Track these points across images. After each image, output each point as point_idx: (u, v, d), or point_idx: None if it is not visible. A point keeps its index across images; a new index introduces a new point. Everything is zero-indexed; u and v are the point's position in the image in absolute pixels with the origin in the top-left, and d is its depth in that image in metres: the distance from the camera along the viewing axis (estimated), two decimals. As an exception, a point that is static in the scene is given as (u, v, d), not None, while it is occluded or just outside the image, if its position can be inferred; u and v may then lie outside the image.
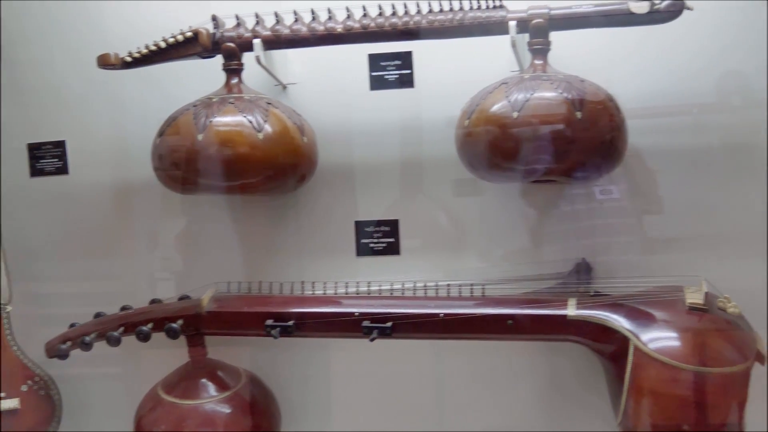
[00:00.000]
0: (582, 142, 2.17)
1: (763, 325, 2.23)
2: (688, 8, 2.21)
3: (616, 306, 2.23)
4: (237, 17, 2.40)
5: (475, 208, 2.57)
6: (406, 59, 2.54)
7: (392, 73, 2.54)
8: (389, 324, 2.28)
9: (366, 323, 2.30)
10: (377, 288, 2.42)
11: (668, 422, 2.11)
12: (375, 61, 2.56)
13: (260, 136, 2.27)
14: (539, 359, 2.54)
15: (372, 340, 2.27)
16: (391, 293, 2.42)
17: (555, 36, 2.33)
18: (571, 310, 2.22)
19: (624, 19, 2.26)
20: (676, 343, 2.13)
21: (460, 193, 2.56)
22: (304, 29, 2.37)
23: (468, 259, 2.58)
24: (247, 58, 2.42)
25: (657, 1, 2.23)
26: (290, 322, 2.33)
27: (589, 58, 2.47)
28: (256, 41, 2.40)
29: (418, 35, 2.36)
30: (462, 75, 2.47)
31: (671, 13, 2.24)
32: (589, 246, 2.51)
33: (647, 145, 2.49)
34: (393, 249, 2.57)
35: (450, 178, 2.53)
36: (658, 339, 2.14)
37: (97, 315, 2.44)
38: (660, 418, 2.11)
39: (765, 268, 2.43)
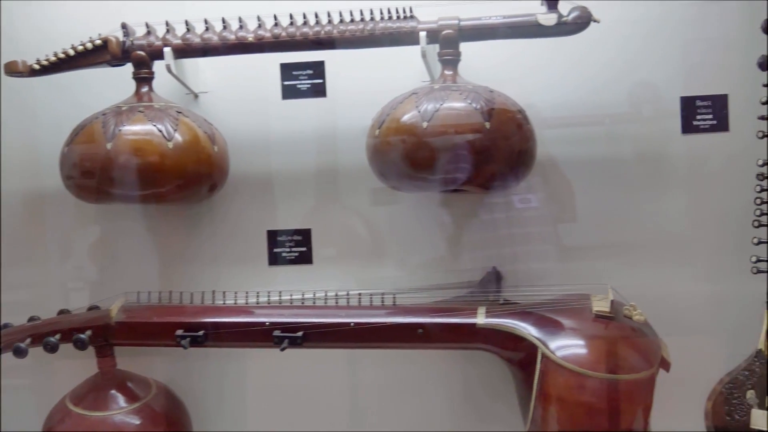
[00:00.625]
0: (490, 152, 2.19)
1: (668, 332, 2.23)
2: (596, 20, 2.24)
3: (524, 314, 2.25)
4: (147, 25, 2.38)
5: (392, 216, 2.57)
6: (318, 69, 2.54)
7: (304, 83, 2.54)
8: (300, 333, 2.28)
9: (277, 333, 2.30)
10: (289, 297, 2.39)
11: (575, 429, 2.14)
12: (287, 70, 2.56)
13: (170, 145, 2.26)
14: (451, 367, 2.55)
15: (282, 349, 2.27)
16: (303, 302, 2.39)
17: (469, 46, 2.33)
18: (481, 319, 2.24)
19: (532, 30, 2.28)
20: (582, 351, 2.16)
21: (378, 201, 2.55)
22: (215, 38, 2.36)
23: (384, 268, 2.58)
24: (158, 66, 2.39)
25: (564, 14, 2.25)
26: (200, 332, 2.32)
27: (504, 69, 2.50)
28: (167, 50, 2.38)
29: (330, 45, 2.36)
30: (374, 84, 2.48)
31: (579, 25, 2.26)
32: (505, 254, 2.53)
33: (564, 154, 2.52)
34: (306, 258, 2.57)
35: (367, 186, 2.51)
36: (566, 347, 2.16)
37: (5, 326, 2.39)
38: (567, 425, 2.13)
39: (671, 276, 2.44)
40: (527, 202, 2.51)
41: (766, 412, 2.13)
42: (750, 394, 2.16)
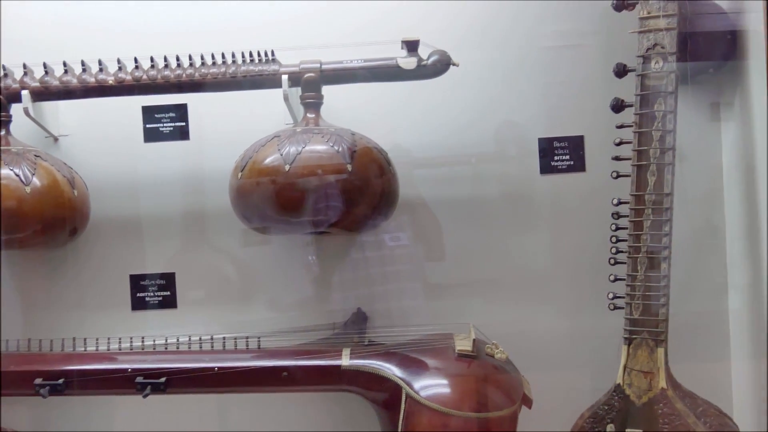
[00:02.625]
0: (353, 195, 2.22)
1: (531, 368, 2.27)
2: (455, 64, 2.29)
3: (389, 355, 2.26)
4: (4, 68, 2.34)
5: (261, 258, 2.57)
6: (180, 111, 2.54)
7: (167, 125, 2.53)
8: (163, 379, 2.26)
9: (139, 379, 2.25)
10: (152, 343, 2.36)
11: (440, 468, 2.13)
12: (149, 113, 2.55)
13: (28, 189, 2.22)
14: (318, 409, 2.56)
15: (145, 396, 2.23)
16: (167, 348, 2.36)
17: (333, 87, 2.36)
18: (345, 360, 2.25)
19: (393, 74, 2.32)
20: (446, 390, 2.18)
21: (247, 242, 2.55)
22: (75, 81, 2.33)
23: (251, 311, 2.58)
24: (17, 109, 2.33)
25: (424, 58, 2.28)
26: (60, 381, 2.26)
27: (368, 110, 2.54)
28: (24, 93, 2.34)
29: (192, 88, 2.36)
30: (238, 126, 2.48)
31: (438, 69, 2.32)
32: (373, 293, 2.54)
33: (431, 193, 2.56)
34: (170, 302, 2.54)
35: (235, 228, 2.49)
36: (429, 386, 2.18)
37: None
38: (432, 464, 2.13)
39: (532, 313, 2.50)
40: (397, 241, 2.53)
41: (625, 445, 2.17)
42: (610, 428, 2.21)
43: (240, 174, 2.21)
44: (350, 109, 2.48)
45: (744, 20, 2.26)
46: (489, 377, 2.22)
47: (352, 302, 2.53)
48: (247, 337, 2.35)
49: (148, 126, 2.53)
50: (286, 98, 2.30)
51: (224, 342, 2.34)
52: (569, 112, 2.53)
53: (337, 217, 2.22)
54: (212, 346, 2.35)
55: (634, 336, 2.22)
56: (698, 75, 2.39)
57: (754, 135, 2.27)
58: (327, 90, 2.37)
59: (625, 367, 2.22)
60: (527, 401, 2.20)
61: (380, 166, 2.25)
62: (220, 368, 2.25)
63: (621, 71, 2.23)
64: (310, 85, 2.31)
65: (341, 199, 2.20)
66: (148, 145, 2.55)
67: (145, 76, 2.33)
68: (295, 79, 2.32)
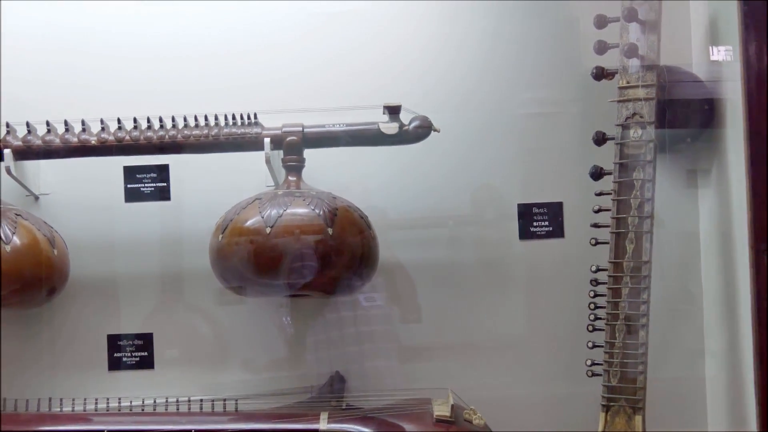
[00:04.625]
0: (332, 258, 2.23)
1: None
2: (436, 130, 2.31)
3: (367, 419, 2.26)
4: (-15, 127, 2.33)
5: (238, 319, 2.58)
6: (162, 172, 2.54)
7: (148, 186, 2.53)
8: (140, 441, 2.21)
9: (116, 441, 2.22)
10: (129, 404, 2.34)
11: None
12: (130, 173, 2.54)
13: (8, 248, 2.21)
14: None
15: (122, 459, 2.19)
16: (143, 409, 2.34)
17: (316, 151, 2.38)
18: (323, 425, 2.24)
19: (375, 138, 2.34)
20: (424, 457, 2.15)
21: (223, 302, 2.53)
22: (57, 140, 2.34)
23: (228, 372, 2.56)
24: (-2, 167, 2.33)
25: (406, 123, 2.30)
26: (35, 441, 2.23)
27: (349, 172, 2.55)
28: (7, 151, 2.35)
29: (174, 150, 2.37)
30: (219, 188, 2.48)
31: (419, 134, 2.34)
32: (350, 354, 2.55)
33: (408, 256, 2.56)
34: (147, 363, 2.53)
35: (212, 289, 2.48)
36: (408, 452, 2.15)
37: None
38: None
39: (510, 378, 2.50)
40: (372, 301, 2.53)
41: None
42: (586, 496, 2.19)
43: (221, 235, 2.22)
44: (330, 171, 2.48)
45: (721, 89, 2.29)
46: (467, 443, 2.19)
47: (327, 363, 2.52)
48: (224, 400, 2.32)
49: (129, 186, 2.53)
50: (267, 161, 2.31)
51: (201, 404, 2.33)
52: (549, 178, 2.55)
53: (316, 280, 2.23)
54: (189, 408, 2.34)
55: (612, 403, 2.22)
56: (676, 144, 2.41)
57: (731, 202, 2.29)
58: (308, 151, 2.35)
59: (602, 434, 2.21)
60: (504, 467, 2.19)
61: (360, 230, 2.27)
62: (196, 431, 2.21)
63: (600, 139, 2.25)
64: (292, 148, 2.33)
65: (321, 263, 2.21)
66: (129, 205, 2.55)
67: (127, 137, 2.34)
68: (277, 141, 2.33)
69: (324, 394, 2.42)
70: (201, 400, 2.34)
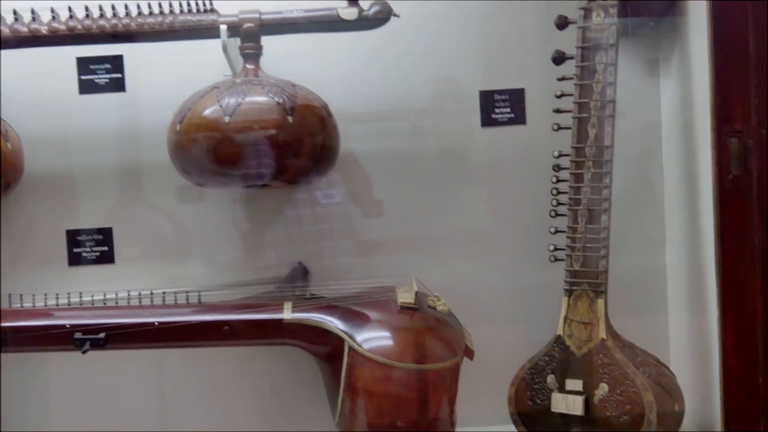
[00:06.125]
0: (293, 146, 2.20)
1: (472, 321, 2.28)
2: (396, 15, 2.27)
3: (331, 308, 2.26)
4: (-71, 20, 2.26)
5: (198, 214, 2.54)
6: (116, 63, 2.49)
7: (102, 77, 2.47)
8: (102, 335, 2.22)
9: (78, 335, 2.21)
10: (90, 298, 2.31)
11: (382, 420, 2.16)
12: (84, 64, 2.49)
13: (-41, 142, 2.15)
14: (260, 363, 2.55)
15: (84, 352, 2.20)
16: (105, 303, 2.32)
17: (271, 41, 2.34)
18: (287, 314, 2.23)
19: (334, 24, 2.30)
20: (388, 343, 2.18)
21: (183, 199, 2.50)
22: (7, 30, 2.27)
23: (191, 266, 2.55)
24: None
25: (365, 8, 2.26)
26: (-5, 337, 2.20)
27: (307, 64, 2.50)
28: (-46, 43, 2.25)
29: (128, 38, 2.31)
30: (176, 78, 2.44)
31: (379, 20, 2.30)
32: (311, 250, 2.53)
33: (367, 149, 2.52)
34: (107, 258, 2.50)
35: (172, 184, 2.46)
36: (372, 339, 2.18)
37: None
38: (374, 416, 2.15)
39: (473, 266, 2.51)
40: (330, 198, 2.51)
41: (565, 395, 2.18)
42: (550, 379, 2.22)
43: (178, 126, 2.18)
44: (287, 63, 2.44)
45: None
46: (431, 329, 2.22)
47: (289, 258, 2.54)
48: (187, 292, 2.32)
49: (82, 77, 2.48)
50: (224, 49, 2.27)
51: (164, 297, 2.31)
52: (510, 65, 2.54)
53: (277, 169, 2.21)
54: (152, 301, 2.32)
55: (575, 287, 2.23)
56: (639, 28, 2.40)
57: (692, 91, 2.29)
58: (265, 41, 2.30)
59: (565, 318, 2.24)
60: (469, 353, 2.22)
61: (321, 118, 2.25)
62: (160, 323, 2.22)
63: (562, 23, 2.23)
64: (249, 35, 2.29)
65: (281, 152, 2.17)
66: (84, 98, 2.49)
67: (79, 26, 2.28)
68: (234, 29, 2.29)
69: (287, 284, 2.40)
70: (164, 293, 2.32)
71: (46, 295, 2.37)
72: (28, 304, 2.36)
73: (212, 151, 2.17)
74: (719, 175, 2.11)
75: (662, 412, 2.12)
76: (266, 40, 2.35)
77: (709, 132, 2.08)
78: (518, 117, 2.52)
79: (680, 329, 2.52)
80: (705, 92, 2.14)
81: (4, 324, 2.26)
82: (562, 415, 2.22)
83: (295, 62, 2.47)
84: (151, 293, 2.33)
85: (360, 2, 2.29)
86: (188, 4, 2.30)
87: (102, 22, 2.29)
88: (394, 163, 2.55)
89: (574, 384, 2.21)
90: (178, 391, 2.58)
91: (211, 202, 2.53)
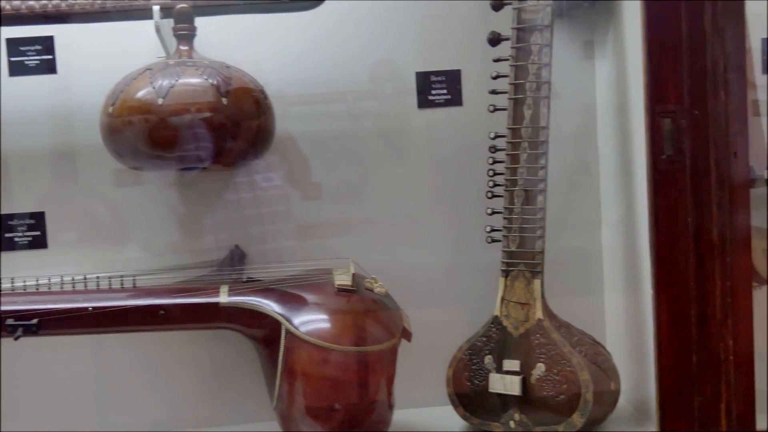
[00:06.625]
0: (228, 129, 2.19)
1: (410, 303, 2.28)
2: (328, -4, 2.24)
3: (267, 291, 2.25)
4: None
5: (135, 198, 2.52)
6: (47, 44, 2.44)
7: (33, 59, 2.42)
8: (35, 321, 2.18)
9: (10, 321, 2.17)
10: (22, 284, 2.27)
11: (320, 403, 2.16)
12: (13, 45, 2.44)
13: None
14: (197, 348, 2.53)
15: (16, 338, 2.16)
16: (38, 289, 2.27)
17: (207, 23, 2.32)
18: (223, 298, 2.22)
19: (269, 6, 2.29)
20: (326, 325, 2.18)
21: (121, 183, 2.47)
22: (-68, 10, 2.21)
23: (128, 251, 2.52)
24: None
25: (300, -11, 2.24)
26: None
27: (242, 46, 2.48)
28: None
29: (59, 19, 2.28)
30: (108, 60, 2.39)
31: (314, 1, 2.24)
32: (250, 233, 2.52)
33: (306, 132, 2.51)
34: (40, 242, 2.45)
35: (108, 167, 2.42)
36: (309, 322, 2.17)
37: None
38: (312, 399, 2.15)
39: (411, 248, 2.51)
40: (270, 181, 2.49)
41: (503, 375, 2.19)
42: (488, 359, 2.23)
43: (111, 109, 2.16)
44: (223, 45, 2.41)
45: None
46: (368, 311, 2.22)
47: (227, 242, 2.52)
48: (122, 276, 2.28)
49: (12, 59, 2.43)
50: (157, 30, 2.25)
51: (98, 281, 2.28)
52: (447, 47, 2.53)
53: (212, 151, 2.18)
54: (86, 286, 2.29)
55: (512, 268, 2.24)
56: (574, 9, 2.41)
57: (626, 72, 2.31)
58: (200, 23, 2.28)
59: (502, 299, 2.25)
60: (407, 334, 2.21)
61: (256, 100, 2.23)
62: (94, 308, 2.19)
63: (498, 4, 2.25)
64: (183, 16, 2.26)
65: (215, 134, 2.15)
66: (14, 80, 2.43)
67: (8, 6, 2.24)
68: (167, 10, 2.25)
69: (224, 268, 2.38)
70: (98, 278, 2.28)
71: (-26, 281, 2.30)
72: (-42, 290, 2.29)
73: (146, 134, 2.15)
74: (652, 156, 2.12)
75: (598, 391, 2.14)
76: (201, 22, 2.28)
77: (643, 113, 2.09)
78: (455, 98, 2.52)
79: (616, 309, 2.54)
80: (639, 73, 2.15)
81: (-67, 311, 2.19)
82: (499, 395, 2.23)
83: (231, 45, 2.45)
84: (85, 278, 2.29)
85: (295, -18, 2.24)
86: (120, -15, 2.25)
87: (32, 2, 2.25)
88: (332, 146, 2.54)
89: (512, 364, 2.22)
90: (116, 377, 2.54)
91: (149, 185, 2.51)
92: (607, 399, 2.23)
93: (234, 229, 2.52)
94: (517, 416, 2.21)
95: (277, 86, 2.42)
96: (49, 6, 2.25)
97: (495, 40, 2.26)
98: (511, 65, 2.23)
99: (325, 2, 2.33)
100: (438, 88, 2.50)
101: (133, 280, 2.30)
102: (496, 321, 2.25)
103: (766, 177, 2.45)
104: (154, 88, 2.14)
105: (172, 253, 2.52)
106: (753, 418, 2.14)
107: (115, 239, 2.54)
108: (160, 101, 2.11)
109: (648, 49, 2.07)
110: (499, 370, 2.24)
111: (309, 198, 2.56)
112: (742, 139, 2.11)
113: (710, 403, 2.14)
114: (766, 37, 2.53)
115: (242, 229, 2.52)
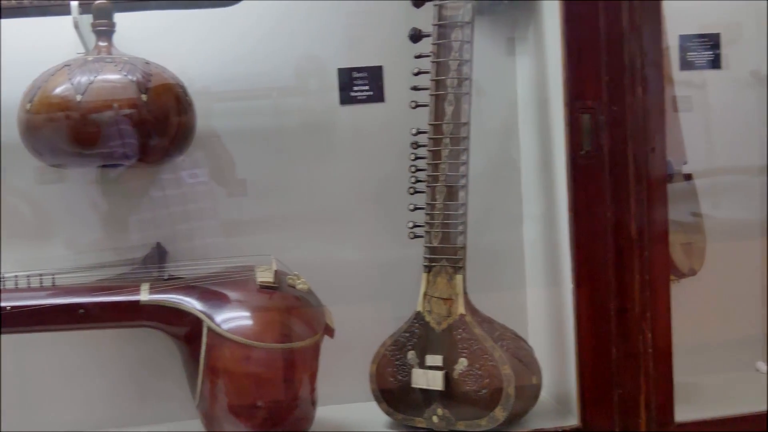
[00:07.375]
0: (148, 125, 2.17)
1: (333, 300, 2.28)
2: (252, -7, 2.24)
3: (189, 289, 2.24)
4: None
5: (57, 196, 2.48)
6: (-38, 41, 2.36)
7: (-53, 56, 2.37)
8: (-50, 320, 2.12)
9: (-76, 322, 2.12)
10: (-62, 284, 2.23)
11: (243, 400, 2.15)
12: (-74, 41, 2.36)
13: None
14: (119, 347, 2.50)
15: (-70, 339, 2.10)
16: (-47, 288, 2.24)
17: (127, 19, 2.27)
18: (144, 296, 2.20)
19: (187, 2, 2.25)
20: (248, 322, 2.18)
21: (43, 180, 2.43)
22: None
23: (50, 249, 2.47)
24: None
25: (220, -16, 2.23)
26: None
27: (164, 42, 2.46)
28: None
29: (-27, 15, 2.20)
30: (26, 57, 2.34)
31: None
32: (175, 230, 2.50)
33: (231, 128, 2.50)
34: (-43, 242, 2.40)
35: (29, 165, 2.37)
36: (231, 319, 2.16)
37: None
38: (235, 396, 2.15)
39: (333, 244, 2.52)
40: (195, 177, 2.48)
41: (425, 371, 2.20)
42: (411, 355, 2.25)
43: (28, 105, 2.13)
44: (143, 41, 2.39)
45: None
46: (291, 308, 2.22)
47: (152, 240, 2.49)
48: (41, 275, 2.24)
49: (-76, 57, 2.36)
50: (76, 26, 2.22)
51: (16, 280, 2.23)
52: (369, 43, 2.53)
53: (133, 148, 2.16)
54: (3, 285, 2.24)
55: (434, 264, 2.26)
56: (494, 6, 2.44)
57: (546, 69, 2.34)
58: (119, 19, 2.25)
59: (425, 295, 2.26)
60: (329, 331, 2.22)
61: (177, 96, 2.22)
62: (12, 307, 2.14)
63: (419, 1, 2.24)
64: (101, 12, 2.24)
65: (135, 131, 2.13)
66: (-72, 77, 2.37)
67: (-77, 2, 2.18)
68: (86, 6, 2.22)
69: (145, 266, 2.37)
70: (16, 276, 2.24)
71: None
72: None
73: (64, 131, 2.13)
74: (572, 151, 2.16)
75: (520, 385, 2.17)
76: (121, 19, 2.27)
77: (563, 109, 2.12)
78: (376, 95, 2.52)
79: (537, 303, 2.57)
80: (558, 70, 2.19)
81: None
82: (423, 390, 2.25)
83: (152, 41, 2.42)
84: (3, 277, 2.25)
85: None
86: (37, -20, 2.22)
87: (-55, -3, 2.19)
88: (257, 142, 2.53)
89: (434, 359, 2.23)
90: (37, 376, 2.51)
91: (72, 183, 2.47)
92: (529, 393, 2.26)
93: (158, 227, 2.51)
94: (440, 411, 2.22)
95: (201, 82, 2.41)
96: (-37, 1, 2.20)
97: (416, 36, 2.27)
98: (432, 62, 2.24)
99: (244, -1, 2.27)
100: (360, 84, 2.51)
101: (53, 278, 2.27)
102: (419, 316, 2.27)
103: (683, 172, 2.50)
104: (72, 84, 2.12)
105: (96, 251, 2.48)
106: (672, 409, 2.18)
107: (37, 237, 2.50)
108: (78, 98, 2.10)
109: (566, 46, 2.11)
110: (422, 365, 2.25)
111: (234, 195, 2.55)
112: (660, 135, 2.15)
113: (630, 396, 2.18)
114: (683, 34, 2.57)
115: (167, 227, 2.51)
